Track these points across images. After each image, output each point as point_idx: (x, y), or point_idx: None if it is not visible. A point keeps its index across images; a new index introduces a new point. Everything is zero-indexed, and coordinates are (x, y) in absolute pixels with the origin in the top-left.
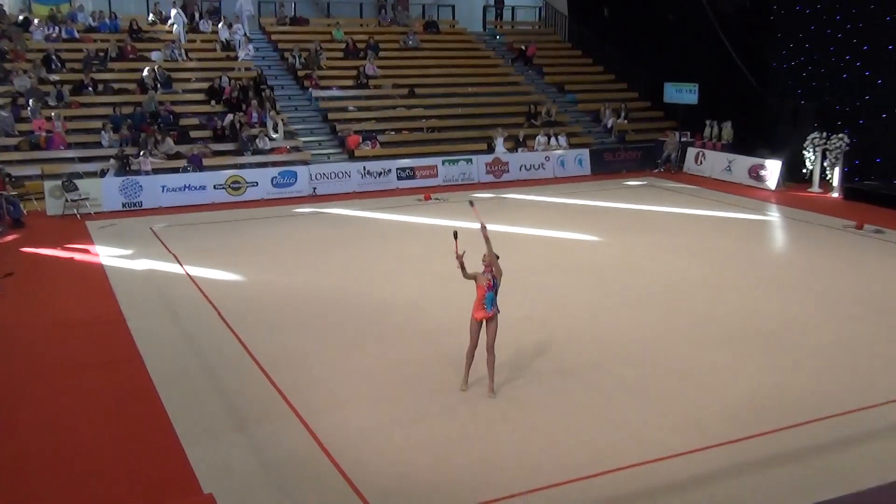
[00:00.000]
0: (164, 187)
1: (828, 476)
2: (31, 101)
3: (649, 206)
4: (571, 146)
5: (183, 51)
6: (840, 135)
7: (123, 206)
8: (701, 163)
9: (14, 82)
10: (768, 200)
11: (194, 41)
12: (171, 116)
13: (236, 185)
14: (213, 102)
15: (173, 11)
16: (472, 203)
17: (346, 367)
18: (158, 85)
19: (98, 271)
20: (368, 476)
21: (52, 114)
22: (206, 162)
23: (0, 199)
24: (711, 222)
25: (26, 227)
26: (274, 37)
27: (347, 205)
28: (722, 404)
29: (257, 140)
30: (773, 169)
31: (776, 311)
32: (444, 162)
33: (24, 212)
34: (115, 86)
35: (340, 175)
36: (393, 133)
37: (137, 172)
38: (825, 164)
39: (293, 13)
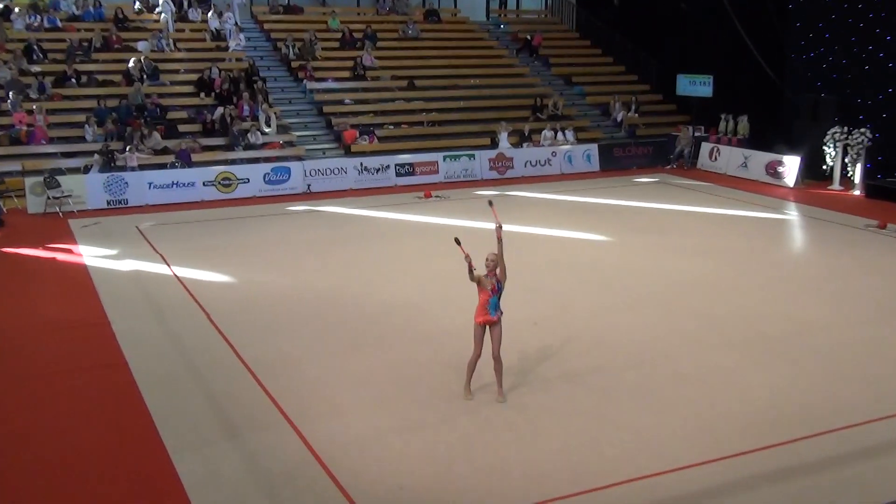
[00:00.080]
0: (150, 184)
1: (847, 488)
2: (11, 93)
3: (661, 204)
4: (579, 141)
5: (171, 41)
6: (862, 129)
7: (108, 203)
8: (716, 159)
9: None
10: (786, 198)
11: (183, 30)
12: (159, 110)
13: (227, 182)
14: (202, 95)
15: None
16: (490, 203)
17: (341, 372)
18: (145, 76)
19: (81, 272)
20: (365, 487)
21: (34, 107)
22: (195, 157)
23: None
24: (726, 221)
25: (6, 226)
26: (266, 26)
27: (343, 203)
28: (734, 411)
29: (249, 135)
30: (791, 165)
31: (791, 314)
32: (445, 158)
33: (4, 210)
34: (100, 77)
35: (336, 171)
36: (391, 127)
37: (123, 168)
38: (846, 160)
39: (286, 1)
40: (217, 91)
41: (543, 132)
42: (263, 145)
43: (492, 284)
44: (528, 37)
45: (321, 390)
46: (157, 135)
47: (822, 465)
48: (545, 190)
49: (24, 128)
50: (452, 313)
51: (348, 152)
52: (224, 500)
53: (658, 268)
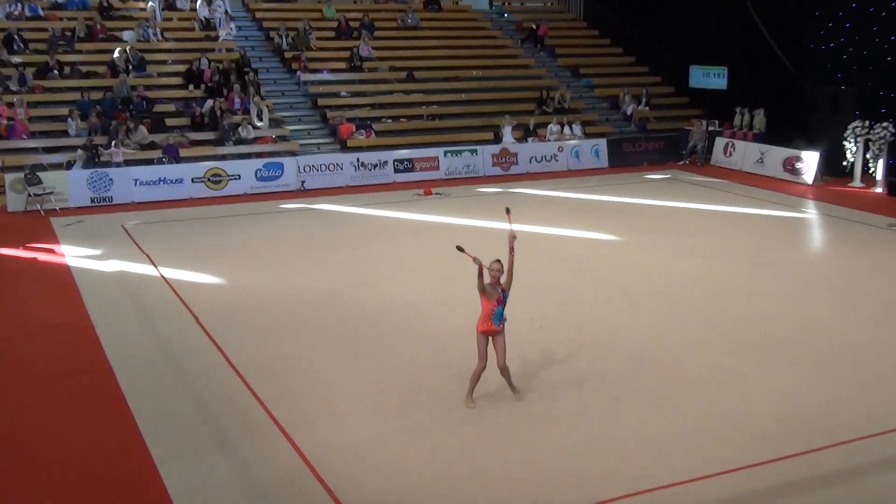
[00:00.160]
0: (136, 181)
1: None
2: None
3: (673, 202)
4: (587, 136)
5: (158, 30)
6: (884, 124)
7: (92, 201)
8: (730, 154)
9: None
10: (805, 196)
11: (170, 19)
12: (145, 102)
13: (216, 179)
14: (191, 87)
15: None
16: (508, 210)
17: (337, 376)
18: (131, 68)
19: (64, 273)
20: (362, 496)
21: (14, 99)
22: (183, 153)
23: None
24: (741, 220)
25: None
26: (258, 14)
27: (339, 200)
28: (746, 417)
29: (240, 129)
30: (810, 161)
31: (809, 317)
32: (446, 153)
33: None
34: (83, 69)
35: (331, 167)
36: (389, 121)
37: (107, 164)
38: (868, 156)
39: None
40: (206, 83)
41: (549, 126)
42: (255, 140)
43: (497, 295)
44: (534, 26)
45: (314, 396)
46: (143, 129)
47: (845, 475)
48: (551, 187)
49: (4, 121)
50: (453, 313)
51: (344, 147)
52: None
53: (668, 268)
